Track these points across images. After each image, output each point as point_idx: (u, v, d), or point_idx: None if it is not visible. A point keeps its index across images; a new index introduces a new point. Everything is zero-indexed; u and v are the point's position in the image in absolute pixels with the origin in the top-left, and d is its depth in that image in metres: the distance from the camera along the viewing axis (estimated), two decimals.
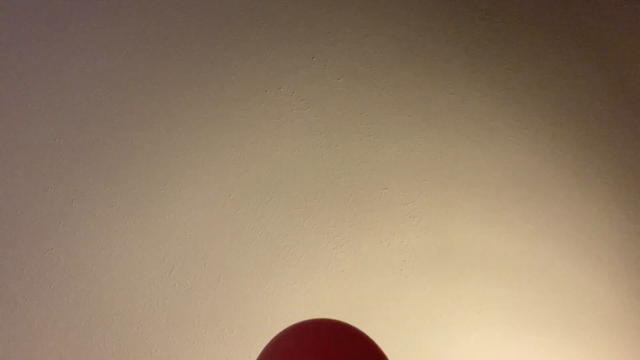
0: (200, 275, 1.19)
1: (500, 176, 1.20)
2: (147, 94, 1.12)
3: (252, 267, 1.20)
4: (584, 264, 1.24)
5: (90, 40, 1.08)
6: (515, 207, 1.21)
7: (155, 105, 1.12)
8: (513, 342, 1.27)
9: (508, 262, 1.23)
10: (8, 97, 1.09)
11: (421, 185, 1.19)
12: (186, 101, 1.13)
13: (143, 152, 1.14)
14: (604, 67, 1.17)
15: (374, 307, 1.24)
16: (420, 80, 1.15)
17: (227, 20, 1.10)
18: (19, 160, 1.11)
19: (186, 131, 1.14)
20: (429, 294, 1.24)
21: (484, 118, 1.17)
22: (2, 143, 1.10)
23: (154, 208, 1.15)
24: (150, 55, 1.10)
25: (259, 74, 1.13)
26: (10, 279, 1.15)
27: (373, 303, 1.24)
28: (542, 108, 1.18)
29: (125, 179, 1.14)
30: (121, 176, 1.14)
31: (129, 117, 1.12)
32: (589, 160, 1.21)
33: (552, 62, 1.17)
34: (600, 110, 1.19)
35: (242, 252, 1.19)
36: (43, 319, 1.17)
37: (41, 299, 1.16)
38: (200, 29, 1.10)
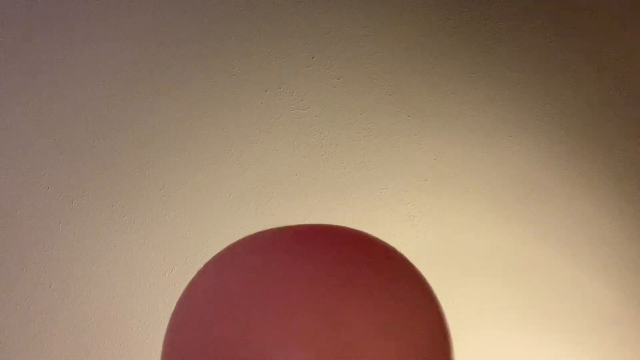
0: None
1: (500, 176, 1.20)
2: (147, 94, 1.12)
3: None
4: (584, 263, 1.24)
5: (89, 39, 1.08)
6: (515, 208, 1.21)
7: (154, 105, 1.12)
8: (513, 342, 1.27)
9: (508, 262, 1.23)
10: (8, 96, 1.09)
11: (421, 185, 1.19)
12: (186, 101, 1.13)
13: (143, 152, 1.14)
14: (607, 69, 1.16)
15: None
16: (421, 80, 1.15)
17: (226, 20, 1.10)
18: (18, 159, 1.11)
19: (186, 131, 1.14)
20: None
21: (484, 118, 1.17)
22: (2, 142, 1.10)
23: (154, 208, 1.15)
24: (150, 55, 1.10)
25: (258, 73, 1.13)
26: (10, 279, 1.15)
27: None
28: (543, 108, 1.18)
29: (126, 178, 1.14)
30: (121, 176, 1.14)
31: (129, 117, 1.12)
32: (589, 161, 1.21)
33: (554, 63, 1.16)
34: (602, 111, 1.19)
35: None
36: (43, 319, 1.17)
37: (41, 299, 1.16)
38: (199, 28, 1.10)
